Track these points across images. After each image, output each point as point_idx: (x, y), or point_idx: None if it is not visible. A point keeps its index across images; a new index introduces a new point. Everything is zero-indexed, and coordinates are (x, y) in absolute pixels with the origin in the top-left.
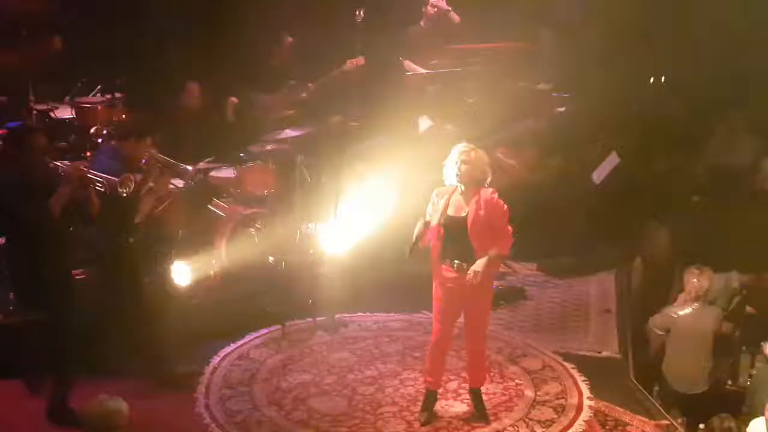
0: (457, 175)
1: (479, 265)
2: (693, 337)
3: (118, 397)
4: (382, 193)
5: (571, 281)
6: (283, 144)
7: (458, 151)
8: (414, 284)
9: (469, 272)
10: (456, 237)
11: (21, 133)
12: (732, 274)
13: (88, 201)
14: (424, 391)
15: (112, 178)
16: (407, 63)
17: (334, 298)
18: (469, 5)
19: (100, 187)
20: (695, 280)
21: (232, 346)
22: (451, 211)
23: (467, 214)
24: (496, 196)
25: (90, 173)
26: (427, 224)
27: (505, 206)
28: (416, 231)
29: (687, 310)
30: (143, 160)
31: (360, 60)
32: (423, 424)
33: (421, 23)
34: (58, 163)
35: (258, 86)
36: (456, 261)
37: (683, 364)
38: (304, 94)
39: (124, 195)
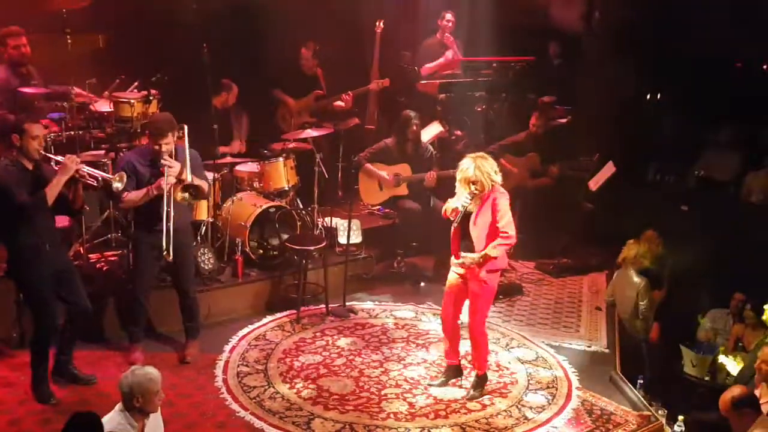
0: (472, 188)
1: (468, 259)
2: (622, 299)
3: (150, 365)
4: (392, 191)
5: (565, 280)
6: (303, 142)
7: (465, 166)
8: (421, 276)
9: (461, 261)
10: (466, 234)
11: (17, 125)
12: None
13: (75, 193)
14: (427, 375)
15: (106, 174)
16: (425, 68)
17: (346, 287)
18: (483, 21)
19: (93, 181)
20: (625, 248)
21: (250, 327)
22: (469, 208)
23: (474, 213)
24: (501, 198)
25: (85, 168)
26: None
27: (505, 209)
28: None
29: (618, 273)
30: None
31: (386, 81)
32: (437, 386)
33: (437, 35)
34: (53, 156)
35: (286, 90)
36: (463, 254)
37: (621, 322)
38: (340, 102)
39: (119, 190)
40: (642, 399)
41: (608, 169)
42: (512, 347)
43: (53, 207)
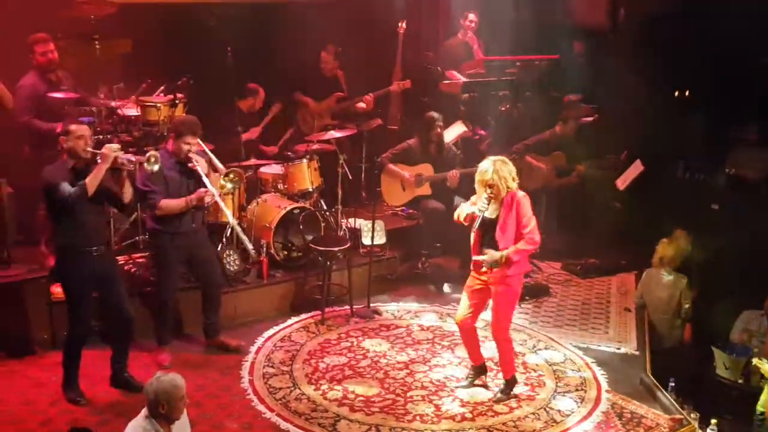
0: (489, 192)
1: (490, 257)
2: (655, 300)
3: (175, 372)
4: (415, 191)
5: (592, 281)
6: (327, 144)
7: (484, 168)
8: (445, 277)
9: (479, 258)
10: (488, 237)
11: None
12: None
13: (120, 183)
14: (453, 377)
15: (139, 157)
16: (451, 73)
17: (370, 288)
18: (505, 19)
19: (131, 166)
20: (661, 247)
21: (276, 328)
22: (487, 213)
23: (497, 217)
24: (524, 201)
25: (122, 155)
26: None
27: (530, 213)
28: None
29: (651, 273)
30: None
31: (407, 83)
32: (464, 387)
33: (459, 35)
34: (95, 150)
35: (307, 92)
36: (485, 250)
37: (652, 323)
38: (362, 104)
39: (153, 172)
40: (674, 402)
41: (636, 168)
42: (539, 349)
43: (101, 203)
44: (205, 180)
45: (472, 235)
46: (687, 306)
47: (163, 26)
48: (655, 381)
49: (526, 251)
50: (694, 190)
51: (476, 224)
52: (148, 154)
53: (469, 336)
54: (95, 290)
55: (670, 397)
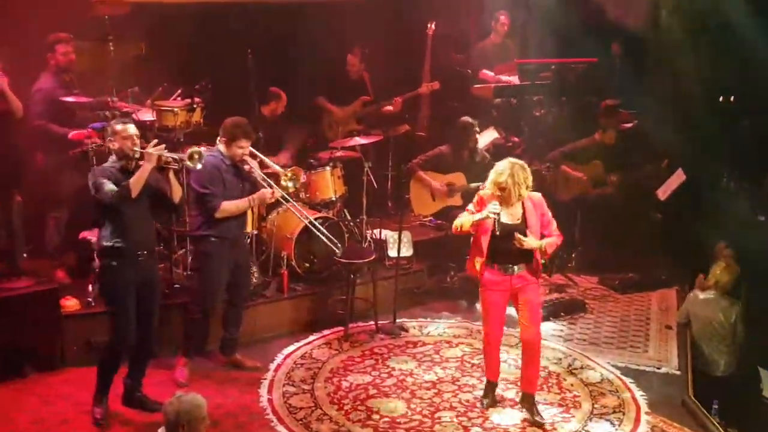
0: (498, 194)
1: (531, 242)
2: (704, 323)
3: (195, 392)
4: (446, 201)
5: (631, 296)
6: (351, 150)
7: (500, 169)
8: (475, 291)
9: (519, 237)
10: (509, 242)
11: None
12: None
13: (167, 182)
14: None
15: (181, 155)
16: (483, 73)
17: (396, 303)
18: (540, 20)
19: (176, 164)
20: (719, 271)
21: (296, 345)
22: (504, 218)
23: (522, 221)
24: (543, 201)
25: (166, 153)
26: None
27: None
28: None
29: (704, 296)
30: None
31: (436, 84)
32: (486, 408)
33: (492, 37)
34: (142, 150)
35: (331, 97)
36: (505, 264)
37: (702, 348)
38: (389, 107)
39: (197, 168)
40: (718, 425)
41: (678, 177)
42: (575, 368)
43: (148, 205)
44: (268, 180)
45: (484, 242)
46: (741, 332)
47: (179, 27)
48: (697, 403)
49: (557, 245)
50: (740, 200)
51: (497, 228)
52: (189, 151)
53: (495, 345)
54: (136, 298)
55: (714, 420)
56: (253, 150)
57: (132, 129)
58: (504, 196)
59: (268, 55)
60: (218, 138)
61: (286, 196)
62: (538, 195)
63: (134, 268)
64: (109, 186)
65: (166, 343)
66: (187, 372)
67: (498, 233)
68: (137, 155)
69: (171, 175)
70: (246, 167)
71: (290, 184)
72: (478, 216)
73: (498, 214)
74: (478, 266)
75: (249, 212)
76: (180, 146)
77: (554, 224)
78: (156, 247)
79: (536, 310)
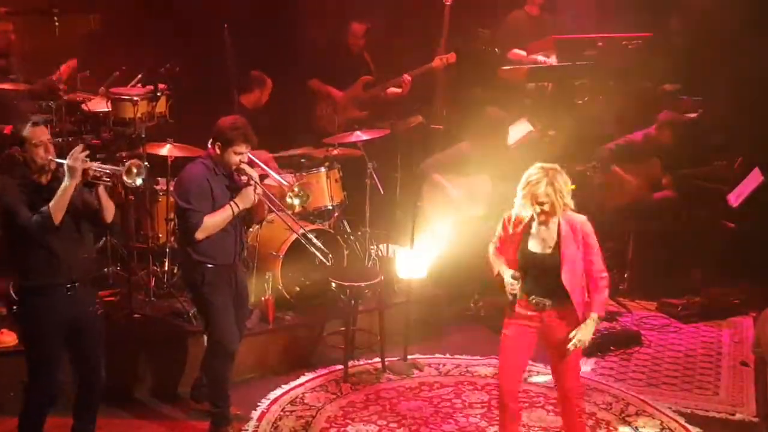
0: (539, 210)
1: (587, 333)
2: None
3: None
4: (467, 211)
5: (698, 326)
6: (352, 148)
7: (534, 178)
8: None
9: (574, 342)
10: (539, 276)
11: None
12: None
13: (100, 201)
14: None
15: (116, 167)
16: (513, 53)
17: (408, 335)
18: None
19: (108, 180)
20: None
21: (284, 387)
22: (533, 246)
23: (555, 250)
24: (589, 226)
25: (95, 165)
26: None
27: (596, 241)
28: (502, 270)
29: None
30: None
31: (452, 56)
32: None
33: (526, 8)
34: (60, 160)
35: (330, 80)
36: (534, 297)
37: None
38: (396, 89)
39: (136, 187)
40: None
41: (754, 178)
42: (629, 414)
43: (77, 226)
44: (270, 196)
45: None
46: None
47: None
48: None
49: (607, 300)
50: None
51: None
52: (128, 164)
53: (516, 401)
54: (65, 340)
55: None
56: (253, 157)
57: (42, 134)
58: (545, 212)
59: (249, 30)
60: (209, 141)
61: (272, 197)
62: (581, 218)
63: (61, 304)
64: (25, 212)
65: (139, 382)
66: None
67: (522, 265)
68: (53, 166)
69: (101, 191)
70: (243, 178)
71: (296, 202)
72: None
73: (515, 295)
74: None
75: None
76: (141, 143)
77: (600, 261)
78: (92, 275)
79: (575, 358)
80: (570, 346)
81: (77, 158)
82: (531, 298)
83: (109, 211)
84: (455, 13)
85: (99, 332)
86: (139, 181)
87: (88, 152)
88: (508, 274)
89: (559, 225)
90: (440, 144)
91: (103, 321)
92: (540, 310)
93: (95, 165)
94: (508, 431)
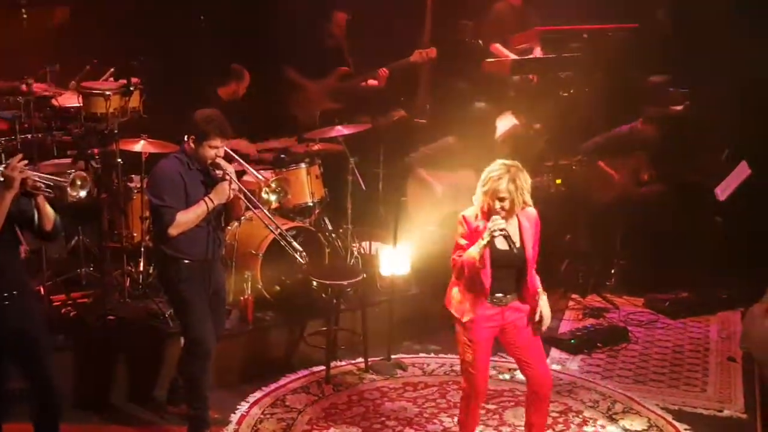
0: (498, 206)
1: (548, 310)
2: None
3: None
4: (452, 206)
5: (685, 321)
6: (332, 143)
7: (496, 174)
8: None
9: (545, 322)
10: (505, 272)
11: None
12: None
13: (40, 210)
14: None
15: (59, 178)
16: (495, 47)
17: (391, 334)
18: None
19: (49, 191)
20: None
21: (265, 389)
22: (500, 244)
23: (521, 246)
24: (536, 213)
25: (35, 175)
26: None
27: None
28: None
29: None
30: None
31: (432, 51)
32: None
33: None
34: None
35: (306, 71)
36: (498, 294)
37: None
38: (373, 81)
39: (78, 199)
40: None
41: (741, 172)
42: (615, 413)
43: (11, 235)
44: (247, 192)
45: (485, 276)
46: None
47: None
48: None
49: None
50: None
51: (513, 246)
52: (72, 176)
53: (482, 400)
54: (8, 356)
55: None
56: (230, 151)
57: None
58: (506, 207)
59: (226, 21)
60: (185, 136)
61: (248, 194)
62: (534, 211)
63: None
64: None
65: (114, 387)
66: None
67: (493, 264)
68: None
69: (40, 200)
70: (218, 172)
71: (273, 198)
72: (484, 242)
73: (505, 229)
74: (467, 305)
75: None
76: (114, 139)
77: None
78: (29, 281)
79: (538, 343)
80: (543, 327)
81: (15, 167)
82: (494, 296)
83: (49, 219)
84: (438, 4)
85: (45, 348)
86: (83, 194)
87: (26, 162)
88: (494, 220)
89: (519, 221)
90: (423, 138)
91: (50, 335)
92: (502, 306)
93: (35, 175)
94: (473, 413)
